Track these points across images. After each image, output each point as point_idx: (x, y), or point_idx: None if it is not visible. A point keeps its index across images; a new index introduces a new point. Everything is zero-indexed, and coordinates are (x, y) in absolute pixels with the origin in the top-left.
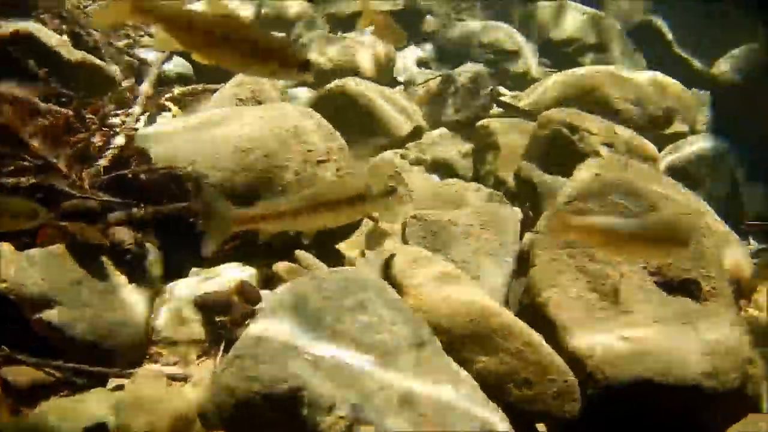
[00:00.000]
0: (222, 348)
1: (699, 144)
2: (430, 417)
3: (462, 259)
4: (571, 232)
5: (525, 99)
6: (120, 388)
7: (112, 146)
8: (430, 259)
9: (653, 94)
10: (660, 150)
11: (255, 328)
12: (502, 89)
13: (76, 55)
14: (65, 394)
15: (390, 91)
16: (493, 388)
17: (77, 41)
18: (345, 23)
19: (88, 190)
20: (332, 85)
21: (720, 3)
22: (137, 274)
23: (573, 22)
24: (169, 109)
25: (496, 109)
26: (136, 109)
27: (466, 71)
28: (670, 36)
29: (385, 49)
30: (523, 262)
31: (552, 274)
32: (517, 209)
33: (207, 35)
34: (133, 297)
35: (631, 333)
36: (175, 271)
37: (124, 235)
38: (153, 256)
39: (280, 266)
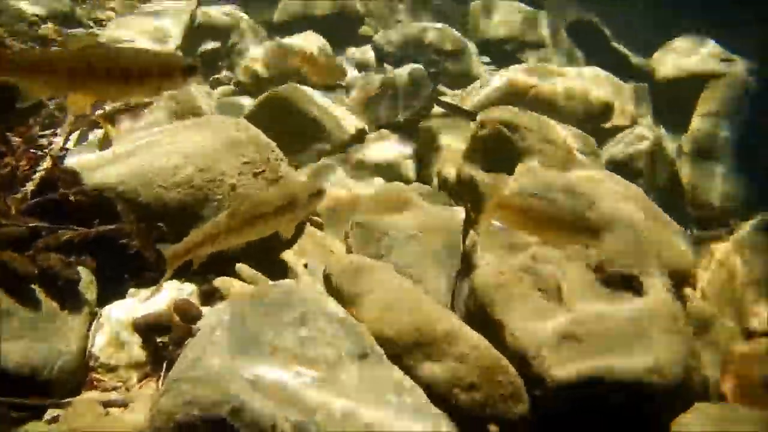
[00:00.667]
0: (164, 370)
1: (638, 136)
2: (374, 429)
3: (405, 264)
4: (506, 212)
5: (466, 98)
6: (57, 419)
7: (39, 169)
8: (372, 267)
9: (592, 88)
10: (600, 144)
11: (192, 349)
12: (443, 89)
13: None
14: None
15: (330, 96)
16: (440, 394)
17: None
18: (282, 28)
19: (15, 216)
20: (270, 92)
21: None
22: (70, 299)
23: (510, 19)
24: (101, 127)
25: (437, 110)
26: (65, 129)
27: (405, 72)
28: (607, 31)
29: (324, 53)
30: (467, 264)
31: (495, 274)
32: (461, 209)
33: (71, 73)
34: (67, 324)
35: (576, 331)
36: (112, 293)
37: (53, 260)
38: (86, 279)
39: (220, 281)
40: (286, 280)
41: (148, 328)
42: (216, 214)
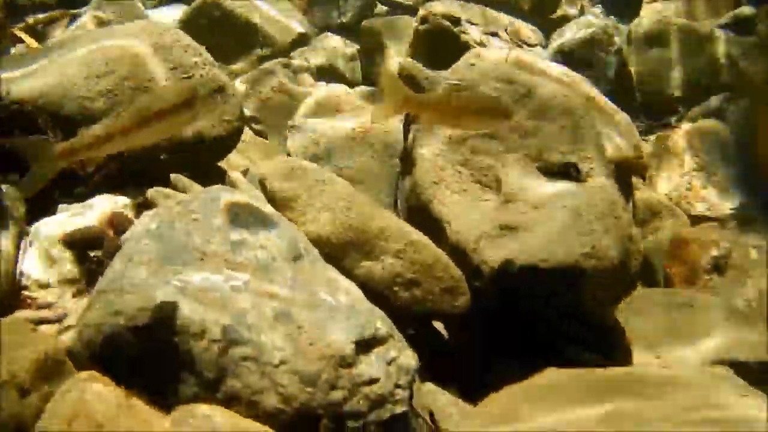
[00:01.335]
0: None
1: (585, 25)
2: (307, 328)
3: (346, 166)
4: (407, 107)
5: None
6: None
7: None
8: (306, 169)
9: None
10: (548, 35)
11: (119, 259)
12: None
13: None
14: None
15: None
16: (379, 293)
17: None
18: None
19: None
20: None
21: None
22: None
23: None
24: (23, 41)
25: (381, 8)
26: None
27: None
28: None
29: None
30: (407, 161)
31: (435, 170)
32: None
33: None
34: None
35: (515, 220)
36: (42, 208)
37: None
38: (12, 196)
39: (154, 192)
40: (216, 186)
41: (80, 243)
42: None
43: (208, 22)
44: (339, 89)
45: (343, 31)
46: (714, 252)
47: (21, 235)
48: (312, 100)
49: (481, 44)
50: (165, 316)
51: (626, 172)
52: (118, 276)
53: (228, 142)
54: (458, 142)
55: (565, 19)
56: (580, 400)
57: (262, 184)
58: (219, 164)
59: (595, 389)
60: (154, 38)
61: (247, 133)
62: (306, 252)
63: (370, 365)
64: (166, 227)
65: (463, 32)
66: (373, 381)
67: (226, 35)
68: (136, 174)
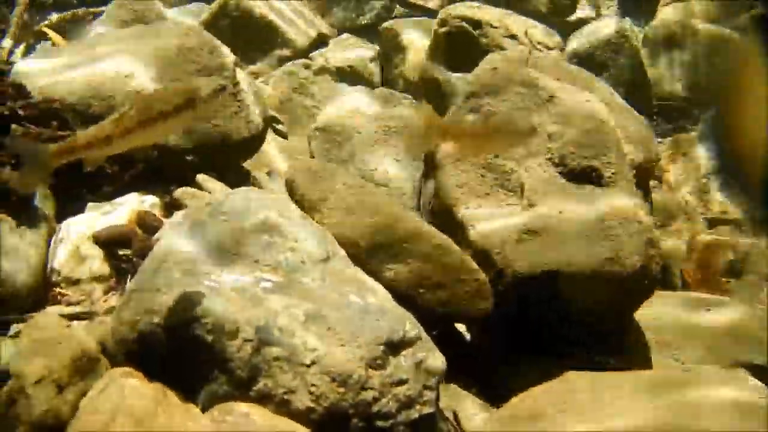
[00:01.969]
0: (127, 282)
1: (602, 28)
2: (339, 330)
3: (369, 168)
4: (443, 138)
5: None
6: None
7: None
8: (333, 171)
9: None
10: (565, 37)
11: (152, 260)
12: None
13: None
14: None
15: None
16: (405, 295)
17: None
18: None
19: None
20: None
21: None
22: (27, 214)
23: None
24: (48, 38)
25: (400, 9)
26: (8, 41)
27: None
28: None
29: None
30: (430, 164)
31: (458, 173)
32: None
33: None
34: (25, 239)
35: (538, 225)
36: (71, 207)
37: (5, 175)
38: (43, 194)
39: (181, 192)
40: (245, 187)
41: (109, 241)
42: None
43: (229, 22)
44: (359, 91)
45: (363, 32)
46: (730, 255)
47: (51, 232)
48: (334, 102)
49: (501, 47)
50: (198, 315)
51: (644, 176)
52: (151, 276)
53: (252, 143)
54: None
55: (582, 22)
56: (604, 403)
57: (288, 186)
58: (243, 164)
59: (618, 392)
60: (180, 39)
61: (269, 133)
62: (334, 254)
63: (399, 367)
64: (198, 228)
65: (483, 35)
66: (402, 382)
67: (246, 36)
68: (162, 173)
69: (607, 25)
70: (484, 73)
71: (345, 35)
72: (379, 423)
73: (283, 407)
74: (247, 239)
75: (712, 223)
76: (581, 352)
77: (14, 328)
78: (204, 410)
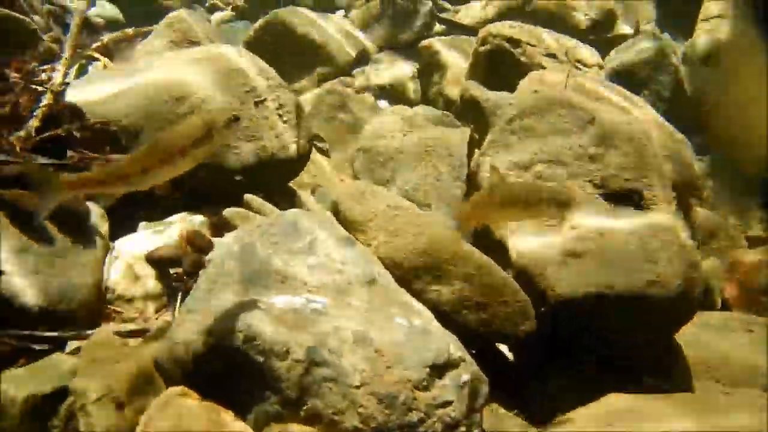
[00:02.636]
0: (179, 300)
1: (641, 45)
2: (385, 352)
3: (412, 188)
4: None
5: (467, 14)
6: (79, 351)
7: (41, 105)
8: (378, 193)
9: None
10: (604, 54)
11: (205, 280)
12: (443, 3)
13: None
14: (23, 363)
15: (329, 18)
16: (448, 315)
17: None
18: None
19: (21, 154)
20: (268, 17)
21: None
22: (83, 233)
23: None
24: (97, 59)
25: (439, 27)
26: (63, 63)
27: None
28: None
29: None
30: (472, 184)
31: None
32: (466, 129)
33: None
34: (81, 258)
35: (579, 247)
36: (124, 226)
37: (14, 194)
38: (97, 213)
39: (230, 212)
40: (294, 209)
41: (160, 260)
42: None
43: (272, 39)
44: (400, 110)
45: (403, 49)
46: None
47: (106, 251)
48: (375, 121)
49: (540, 66)
50: (249, 336)
51: (685, 194)
52: (204, 297)
53: (296, 163)
54: (523, 168)
55: (622, 38)
56: (644, 428)
57: (334, 207)
58: (288, 183)
59: (658, 416)
60: (230, 63)
61: (312, 152)
62: (380, 275)
63: (444, 388)
64: (248, 250)
65: (522, 54)
66: (447, 404)
67: (289, 53)
68: (209, 194)
69: (646, 42)
70: (525, 96)
71: (386, 52)
72: None
73: (332, 427)
74: (295, 260)
75: (753, 242)
76: (622, 373)
77: (70, 344)
78: (255, 429)
